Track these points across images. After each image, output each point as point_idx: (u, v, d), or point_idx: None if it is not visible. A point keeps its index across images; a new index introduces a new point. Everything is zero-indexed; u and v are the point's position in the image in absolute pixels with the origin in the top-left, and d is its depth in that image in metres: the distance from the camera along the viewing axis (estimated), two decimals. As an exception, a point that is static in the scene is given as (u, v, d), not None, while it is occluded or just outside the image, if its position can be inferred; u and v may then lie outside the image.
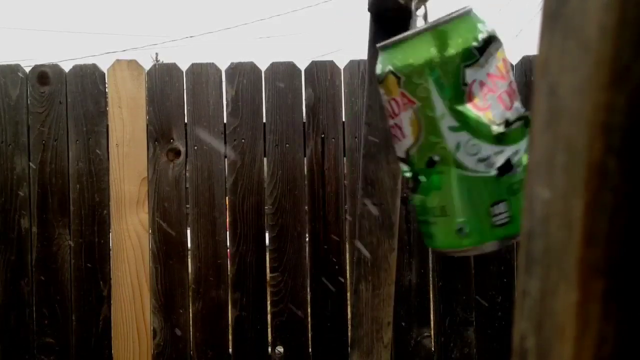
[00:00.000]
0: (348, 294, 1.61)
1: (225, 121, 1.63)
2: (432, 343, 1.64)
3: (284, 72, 1.64)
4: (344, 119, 1.64)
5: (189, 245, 1.65)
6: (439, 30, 0.51)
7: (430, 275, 1.64)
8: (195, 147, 1.62)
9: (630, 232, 0.18)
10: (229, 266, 1.62)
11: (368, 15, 0.69)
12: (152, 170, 1.61)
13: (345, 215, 1.62)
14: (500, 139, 0.51)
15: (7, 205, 1.60)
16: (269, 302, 1.62)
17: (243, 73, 1.63)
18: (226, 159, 1.63)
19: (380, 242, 0.71)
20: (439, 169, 0.52)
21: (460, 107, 0.51)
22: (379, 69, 0.54)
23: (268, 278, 1.62)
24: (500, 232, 0.51)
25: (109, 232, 1.62)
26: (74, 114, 1.62)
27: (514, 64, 1.66)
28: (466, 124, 0.51)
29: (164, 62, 1.71)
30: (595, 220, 0.18)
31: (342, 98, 1.64)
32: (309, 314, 1.62)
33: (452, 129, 0.51)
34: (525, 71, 1.64)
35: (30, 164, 1.61)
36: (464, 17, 0.51)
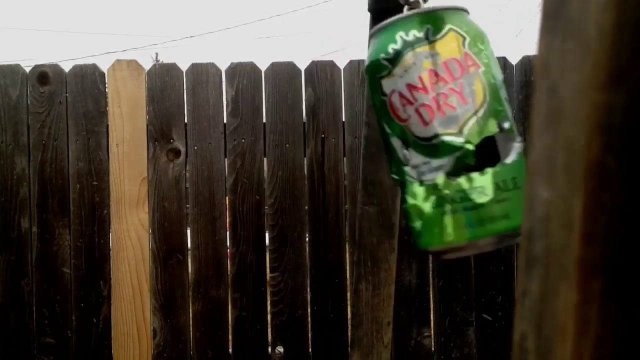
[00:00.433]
0: (348, 294, 1.61)
1: (225, 121, 1.63)
2: (432, 343, 1.64)
3: (284, 72, 1.64)
4: (344, 119, 1.64)
5: (189, 245, 1.65)
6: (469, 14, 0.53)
7: (430, 275, 1.64)
8: (195, 147, 1.62)
9: (629, 232, 0.18)
10: (229, 266, 1.62)
11: (368, 15, 0.69)
12: (152, 170, 1.61)
13: (345, 215, 1.62)
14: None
15: (7, 205, 1.60)
16: (269, 302, 1.62)
17: (243, 73, 1.63)
18: (226, 159, 1.63)
19: (380, 242, 0.71)
20: (507, 135, 0.49)
21: (504, 84, 0.51)
22: (426, 29, 0.49)
23: (268, 278, 1.62)
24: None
25: (109, 232, 1.62)
26: (74, 114, 1.62)
27: (513, 64, 1.66)
28: (510, 100, 0.51)
29: (164, 62, 1.71)
30: (595, 220, 0.19)
31: (342, 98, 1.64)
32: (309, 314, 1.62)
33: (507, 100, 0.51)
34: (525, 71, 1.64)
35: (30, 164, 1.61)
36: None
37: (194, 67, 1.64)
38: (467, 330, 1.63)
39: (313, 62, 1.66)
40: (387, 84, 0.51)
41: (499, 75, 0.50)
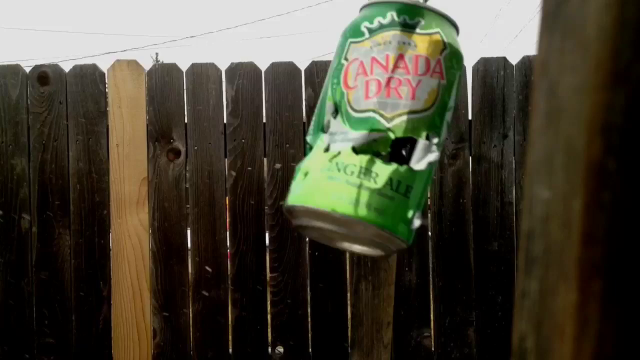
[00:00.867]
0: (348, 294, 1.61)
1: (225, 121, 1.63)
2: (432, 343, 1.64)
3: (284, 72, 1.64)
4: (344, 119, 1.63)
5: (189, 245, 1.65)
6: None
7: (430, 275, 1.64)
8: (196, 147, 1.62)
9: (628, 232, 0.18)
10: (229, 266, 1.62)
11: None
12: (152, 170, 1.61)
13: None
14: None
15: (7, 205, 1.60)
16: (269, 302, 1.62)
17: (243, 73, 1.63)
18: (226, 159, 1.63)
19: (380, 242, 0.71)
20: (432, 149, 0.50)
21: (451, 113, 0.52)
22: (417, 20, 0.50)
23: (268, 278, 1.62)
24: (412, 238, 0.51)
25: (109, 232, 1.62)
26: (74, 114, 1.62)
27: (513, 64, 1.66)
28: (447, 131, 0.52)
29: (164, 62, 1.71)
30: (594, 220, 0.19)
31: (342, 98, 1.63)
32: (309, 314, 1.62)
33: (448, 124, 0.52)
34: (525, 71, 1.64)
35: (30, 163, 1.61)
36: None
37: (194, 67, 1.64)
38: (467, 330, 1.63)
39: (313, 62, 1.66)
40: (354, 51, 0.52)
41: (453, 100, 0.52)
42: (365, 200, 0.47)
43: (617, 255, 0.18)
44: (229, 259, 1.63)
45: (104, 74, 1.63)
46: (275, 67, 1.64)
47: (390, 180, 0.48)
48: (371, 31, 0.51)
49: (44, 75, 1.62)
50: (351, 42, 0.52)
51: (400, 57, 0.50)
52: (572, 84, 0.19)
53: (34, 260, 1.60)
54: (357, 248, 0.53)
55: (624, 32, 0.18)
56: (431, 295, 1.64)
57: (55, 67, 1.64)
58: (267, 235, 1.63)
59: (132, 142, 1.61)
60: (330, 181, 0.48)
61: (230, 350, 1.62)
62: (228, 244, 1.63)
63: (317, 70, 1.64)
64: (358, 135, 0.49)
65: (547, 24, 0.21)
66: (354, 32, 0.52)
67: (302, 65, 1.65)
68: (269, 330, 1.62)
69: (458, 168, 1.63)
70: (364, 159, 0.48)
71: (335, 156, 0.49)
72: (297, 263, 1.61)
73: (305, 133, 1.63)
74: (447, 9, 0.53)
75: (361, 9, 0.54)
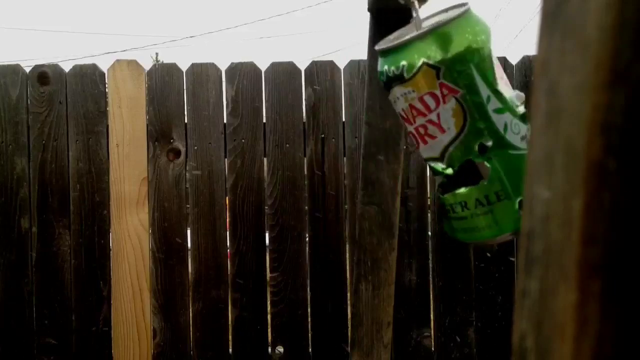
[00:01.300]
0: (348, 294, 1.61)
1: (225, 121, 1.63)
2: (432, 343, 1.64)
3: (284, 72, 1.64)
4: (344, 119, 1.64)
5: (189, 245, 1.65)
6: (472, 15, 0.52)
7: (430, 275, 1.64)
8: (196, 147, 1.62)
9: (629, 232, 0.18)
10: (229, 266, 1.62)
11: (368, 15, 0.69)
12: (152, 170, 1.61)
13: (345, 215, 1.62)
14: (524, 118, 0.52)
15: (7, 205, 1.60)
16: (269, 302, 1.62)
17: (243, 73, 1.63)
18: (226, 159, 1.63)
19: (380, 242, 0.71)
20: (491, 154, 0.51)
21: (497, 89, 0.51)
22: (401, 66, 0.51)
23: (268, 278, 1.62)
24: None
25: (109, 232, 1.62)
26: (74, 114, 1.62)
27: (513, 64, 1.66)
28: (506, 104, 0.52)
29: (164, 62, 1.71)
30: (595, 220, 0.19)
31: (342, 98, 1.64)
32: (309, 314, 1.62)
33: (497, 110, 0.51)
34: (525, 71, 1.64)
35: (30, 164, 1.61)
36: (469, 13, 0.53)
37: (194, 67, 1.64)
38: (467, 330, 1.63)
39: (313, 62, 1.66)
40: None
41: (484, 90, 0.51)
42: (472, 226, 0.53)
43: (617, 255, 0.18)
44: (229, 259, 1.63)
45: (104, 73, 1.63)
46: (275, 67, 1.64)
47: (478, 201, 0.52)
48: (387, 86, 0.54)
49: (44, 75, 1.62)
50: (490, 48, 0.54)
51: (410, 107, 0.52)
52: (572, 84, 0.19)
53: (34, 260, 1.60)
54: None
55: (624, 32, 0.18)
56: (431, 295, 1.64)
57: (55, 67, 1.64)
58: (267, 235, 1.63)
59: (132, 142, 1.61)
60: (448, 221, 0.58)
61: (230, 350, 1.62)
62: (228, 244, 1.63)
63: (317, 70, 1.64)
64: (437, 178, 0.56)
65: (547, 24, 0.21)
66: (490, 38, 0.54)
67: (302, 65, 1.65)
68: (269, 330, 1.62)
69: (458, 168, 1.63)
70: (448, 197, 0.54)
71: (441, 198, 0.57)
72: (297, 263, 1.61)
73: (305, 133, 1.63)
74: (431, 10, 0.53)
75: (472, 14, 0.54)
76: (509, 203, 0.51)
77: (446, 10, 0.55)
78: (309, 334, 1.62)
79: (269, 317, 1.62)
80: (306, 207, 1.63)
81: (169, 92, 1.63)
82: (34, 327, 1.60)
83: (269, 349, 1.62)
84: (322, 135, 1.63)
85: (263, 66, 1.65)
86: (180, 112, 1.63)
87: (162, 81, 1.63)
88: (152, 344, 1.61)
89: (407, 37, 0.52)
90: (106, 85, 1.63)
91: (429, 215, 1.65)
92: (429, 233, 1.65)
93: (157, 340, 1.61)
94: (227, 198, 1.63)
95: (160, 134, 1.62)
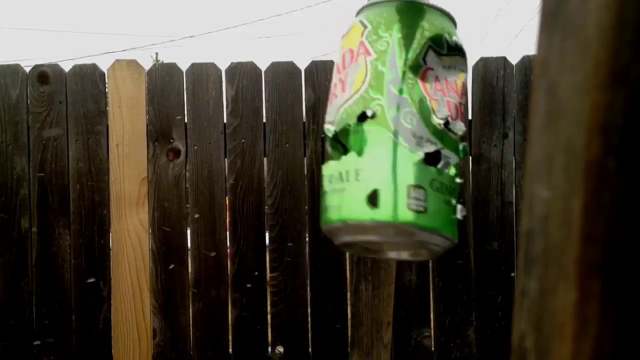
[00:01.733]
0: (348, 294, 1.61)
1: (225, 121, 1.63)
2: (432, 343, 1.64)
3: (284, 72, 1.64)
4: (344, 119, 1.63)
5: (189, 245, 1.65)
6: (427, 5, 0.51)
7: (430, 275, 1.64)
8: (195, 147, 1.62)
9: (628, 232, 0.18)
10: (229, 266, 1.62)
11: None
12: (152, 170, 1.61)
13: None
14: (437, 132, 0.49)
15: (7, 205, 1.60)
16: (269, 302, 1.62)
17: (243, 73, 1.63)
18: (226, 159, 1.63)
19: (380, 242, 0.71)
20: (369, 126, 0.48)
21: (412, 76, 0.49)
22: (348, 26, 0.52)
23: (268, 278, 1.62)
24: (412, 218, 0.46)
25: (109, 232, 1.62)
26: (74, 114, 1.62)
27: (513, 64, 1.66)
28: (412, 93, 0.49)
29: (164, 62, 1.71)
30: (594, 220, 0.19)
31: (342, 98, 1.63)
32: (309, 313, 1.62)
33: (398, 90, 0.49)
34: (525, 71, 1.64)
35: (30, 163, 1.61)
36: (447, 15, 0.52)
37: (194, 67, 1.64)
38: (467, 330, 1.63)
39: (313, 62, 1.66)
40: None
41: (394, 65, 0.49)
42: (329, 204, 0.51)
43: (617, 255, 0.18)
44: (229, 259, 1.63)
45: (104, 73, 1.63)
46: (275, 67, 1.64)
47: (340, 175, 0.49)
48: (448, 46, 0.52)
49: (44, 75, 1.62)
50: (429, 47, 0.51)
51: (336, 65, 0.51)
52: (572, 84, 0.19)
53: (34, 260, 1.60)
54: (405, 255, 0.53)
55: (624, 32, 0.18)
56: (431, 295, 1.64)
57: (55, 67, 1.64)
58: (267, 235, 1.63)
59: (132, 142, 1.61)
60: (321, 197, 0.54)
61: (230, 350, 1.62)
62: (228, 244, 1.63)
63: (317, 70, 1.64)
64: (327, 146, 0.53)
65: (547, 24, 0.21)
66: (436, 39, 0.51)
67: (302, 65, 1.65)
68: (269, 330, 1.62)
69: (458, 168, 1.63)
70: (323, 167, 0.52)
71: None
72: (297, 263, 1.61)
73: (305, 133, 1.63)
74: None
75: (431, 7, 0.52)
76: (361, 188, 0.47)
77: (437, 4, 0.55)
78: (309, 334, 1.62)
79: (269, 317, 1.62)
80: (306, 207, 1.63)
81: (169, 92, 1.63)
82: (34, 327, 1.60)
83: (269, 349, 1.62)
84: (322, 135, 1.63)
85: (263, 66, 1.65)
86: (180, 112, 1.63)
87: (162, 81, 1.63)
88: (152, 344, 1.61)
89: (365, 4, 0.52)
90: (106, 85, 1.63)
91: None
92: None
93: (157, 340, 1.61)
94: (227, 198, 1.63)
95: (160, 134, 1.62)
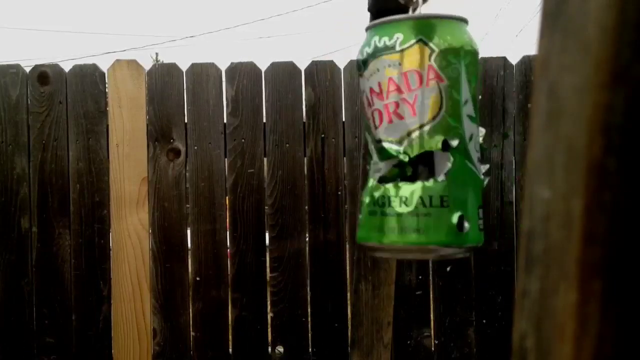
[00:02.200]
0: (348, 294, 1.61)
1: (225, 121, 1.63)
2: (432, 343, 1.64)
3: (284, 72, 1.64)
4: (344, 119, 1.64)
5: (189, 245, 1.65)
6: (468, 28, 0.52)
7: (430, 275, 1.64)
8: (195, 147, 1.62)
9: (629, 232, 0.18)
10: (229, 266, 1.62)
11: (368, 15, 0.69)
12: (152, 170, 1.61)
13: (345, 215, 1.62)
14: (482, 151, 0.53)
15: (7, 205, 1.60)
16: (269, 302, 1.62)
17: (243, 73, 1.63)
18: (226, 159, 1.63)
19: (380, 242, 0.71)
20: (452, 154, 0.49)
21: (475, 104, 0.51)
22: (395, 37, 0.51)
23: (268, 278, 1.63)
24: (482, 237, 0.50)
25: (109, 232, 1.62)
26: (74, 114, 1.62)
27: (514, 64, 1.66)
28: (478, 118, 0.51)
29: (164, 62, 1.71)
30: (595, 220, 0.19)
31: (342, 98, 1.64)
32: (309, 313, 1.62)
33: (470, 118, 0.51)
34: (525, 71, 1.64)
35: (30, 163, 1.61)
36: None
37: (194, 67, 1.64)
38: (467, 330, 1.63)
39: (313, 62, 1.66)
40: (361, 83, 0.53)
41: (465, 92, 0.50)
42: (404, 226, 0.49)
43: (617, 255, 0.18)
44: (229, 259, 1.63)
45: (104, 73, 1.63)
46: (275, 67, 1.64)
47: (421, 199, 0.49)
48: (364, 63, 0.52)
49: (44, 75, 1.62)
50: (358, 76, 0.53)
51: (390, 80, 0.50)
52: (572, 84, 0.19)
53: (34, 260, 1.60)
54: (432, 256, 0.55)
55: (624, 32, 0.18)
56: (431, 295, 1.64)
57: (55, 67, 1.64)
58: (267, 235, 1.63)
59: (132, 142, 1.61)
60: (371, 216, 0.51)
61: (230, 350, 1.62)
62: (228, 244, 1.63)
63: (317, 70, 1.64)
64: (381, 166, 0.52)
65: (547, 24, 0.21)
66: (357, 66, 0.53)
67: (302, 65, 1.65)
68: (269, 330, 1.62)
69: (458, 168, 1.63)
70: (389, 187, 0.50)
71: (370, 188, 0.51)
72: (297, 263, 1.61)
73: (305, 133, 1.63)
74: (446, 7, 0.53)
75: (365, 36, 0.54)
76: (447, 213, 0.49)
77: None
78: (309, 334, 1.62)
79: (269, 317, 1.62)
80: (306, 207, 1.63)
81: (169, 92, 1.63)
82: (34, 327, 1.60)
83: (269, 349, 1.62)
84: (322, 135, 1.63)
85: (263, 66, 1.65)
86: (180, 112, 1.63)
87: (162, 81, 1.63)
88: (152, 344, 1.61)
89: (408, 15, 0.52)
90: (106, 85, 1.63)
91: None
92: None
93: (157, 340, 1.61)
94: (227, 198, 1.63)
95: (160, 134, 1.62)
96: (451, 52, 0.50)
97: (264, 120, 1.63)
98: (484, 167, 0.53)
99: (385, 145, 0.51)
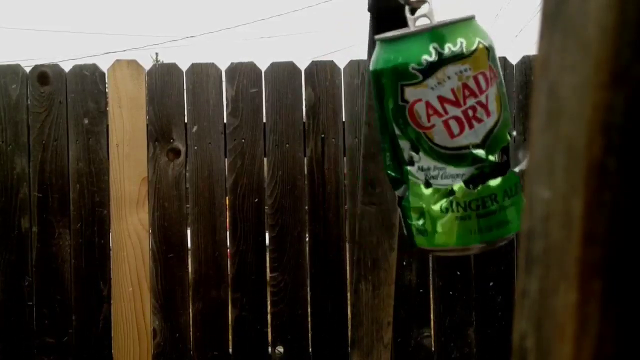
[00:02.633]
0: (348, 294, 1.61)
1: (225, 121, 1.63)
2: (432, 343, 1.64)
3: (284, 72, 1.64)
4: (344, 119, 1.64)
5: (189, 245, 1.65)
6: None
7: (430, 275, 1.64)
8: (195, 147, 1.62)
9: (629, 232, 0.18)
10: (229, 266, 1.62)
11: (368, 15, 0.69)
12: (152, 170, 1.61)
13: (345, 215, 1.62)
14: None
15: (7, 205, 1.60)
16: (269, 302, 1.62)
17: (243, 73, 1.63)
18: (226, 159, 1.63)
19: (380, 242, 0.71)
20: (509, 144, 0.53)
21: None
22: (459, 42, 0.51)
23: (268, 278, 1.63)
24: None
25: (109, 232, 1.62)
26: (74, 114, 1.62)
27: (513, 64, 1.66)
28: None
29: (164, 62, 1.71)
30: (595, 220, 0.19)
31: (342, 98, 1.64)
32: (309, 313, 1.62)
33: (507, 109, 0.54)
34: (525, 71, 1.64)
35: (30, 163, 1.61)
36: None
37: (194, 67, 1.64)
38: (467, 330, 1.63)
39: (313, 62, 1.66)
40: (412, 92, 0.51)
41: (504, 86, 0.54)
42: (498, 221, 0.52)
43: (617, 255, 0.18)
44: (229, 259, 1.63)
45: (104, 73, 1.63)
46: (275, 67, 1.64)
47: (505, 192, 0.52)
48: (424, 72, 0.50)
49: (44, 75, 1.62)
50: (403, 85, 0.51)
51: (463, 86, 0.50)
52: (572, 84, 0.19)
53: (34, 260, 1.60)
54: (486, 249, 0.57)
55: (624, 32, 0.18)
56: (431, 295, 1.64)
57: (55, 67, 1.64)
58: (267, 235, 1.63)
59: (132, 142, 1.61)
60: (463, 221, 0.52)
61: (230, 350, 1.62)
62: (228, 244, 1.63)
63: (317, 70, 1.64)
64: (460, 171, 0.52)
65: (547, 24, 0.21)
66: (401, 75, 0.51)
67: (302, 65, 1.65)
68: (269, 330, 1.62)
69: (458, 168, 1.63)
70: (480, 189, 0.51)
71: (449, 194, 0.52)
72: (297, 263, 1.61)
73: (305, 133, 1.63)
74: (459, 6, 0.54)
75: (388, 44, 0.52)
76: (521, 197, 0.51)
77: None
78: (309, 334, 1.62)
79: (269, 317, 1.62)
80: (306, 207, 1.63)
81: (169, 92, 1.63)
82: (34, 327, 1.60)
83: (269, 349, 1.62)
84: (322, 135, 1.63)
85: (263, 66, 1.65)
86: (180, 112, 1.63)
87: (162, 81, 1.63)
88: (152, 344, 1.61)
89: (456, 18, 0.52)
90: (106, 85, 1.64)
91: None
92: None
93: (157, 340, 1.61)
94: (227, 198, 1.63)
95: (160, 134, 1.62)
96: (493, 48, 0.52)
97: (264, 120, 1.63)
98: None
99: (474, 151, 0.51)
